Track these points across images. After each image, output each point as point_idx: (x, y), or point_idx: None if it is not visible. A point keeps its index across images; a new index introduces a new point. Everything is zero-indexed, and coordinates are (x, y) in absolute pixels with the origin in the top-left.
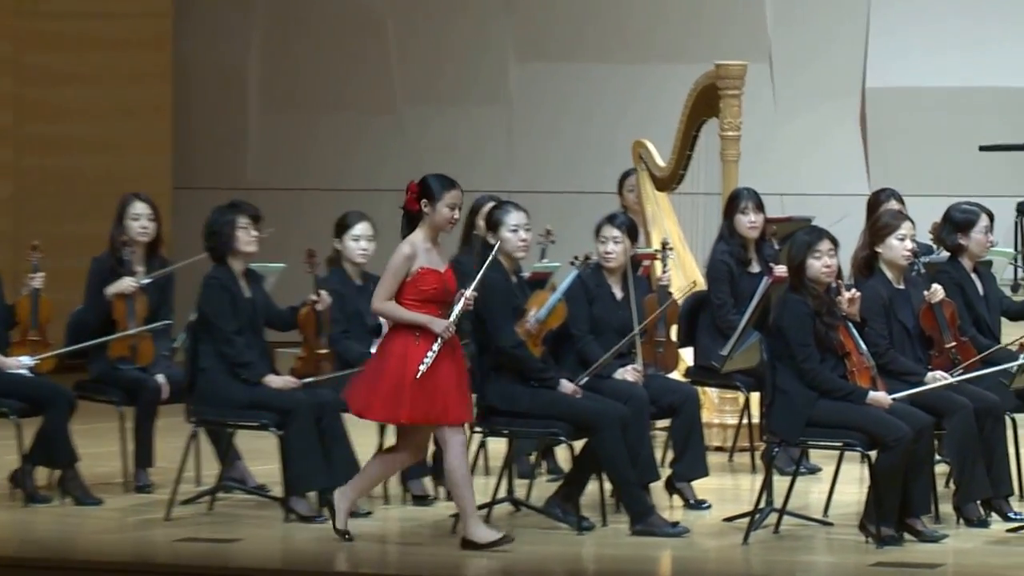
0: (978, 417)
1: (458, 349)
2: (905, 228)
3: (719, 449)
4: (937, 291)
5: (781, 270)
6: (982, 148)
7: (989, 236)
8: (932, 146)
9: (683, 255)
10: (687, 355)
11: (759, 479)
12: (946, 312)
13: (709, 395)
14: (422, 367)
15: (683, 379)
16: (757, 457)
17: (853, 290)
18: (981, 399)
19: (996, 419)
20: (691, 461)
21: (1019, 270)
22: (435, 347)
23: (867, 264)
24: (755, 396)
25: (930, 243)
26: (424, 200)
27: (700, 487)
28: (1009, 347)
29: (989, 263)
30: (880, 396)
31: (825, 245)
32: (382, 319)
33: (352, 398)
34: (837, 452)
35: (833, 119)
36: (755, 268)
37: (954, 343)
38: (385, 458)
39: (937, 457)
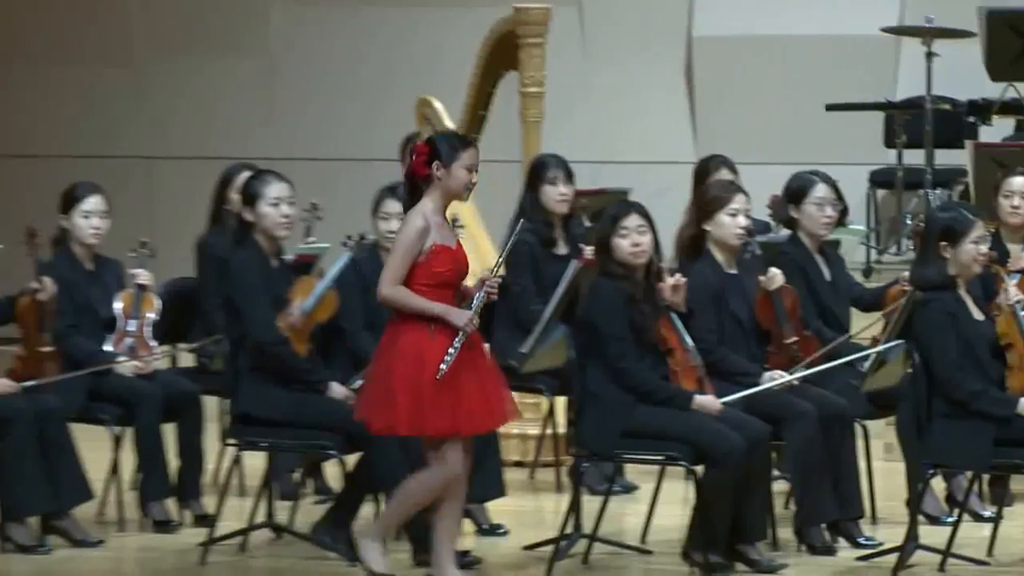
0: (823, 425)
1: (477, 344)
2: (738, 202)
3: (518, 464)
4: (775, 276)
5: (591, 251)
6: (829, 107)
7: (827, 210)
8: (770, 106)
9: (476, 234)
10: None
11: (565, 500)
12: (786, 301)
13: None
14: (443, 366)
15: None
16: (563, 474)
17: (677, 275)
18: (827, 404)
19: (844, 427)
20: (484, 479)
21: (872, 251)
22: (456, 342)
23: (693, 245)
24: (561, 401)
25: (768, 220)
26: (435, 163)
27: (495, 509)
28: (859, 341)
29: (837, 243)
30: (708, 401)
31: (633, 221)
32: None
33: (370, 416)
34: (657, 468)
35: (654, 74)
36: (562, 249)
37: (795, 338)
38: (411, 482)
39: (775, 473)
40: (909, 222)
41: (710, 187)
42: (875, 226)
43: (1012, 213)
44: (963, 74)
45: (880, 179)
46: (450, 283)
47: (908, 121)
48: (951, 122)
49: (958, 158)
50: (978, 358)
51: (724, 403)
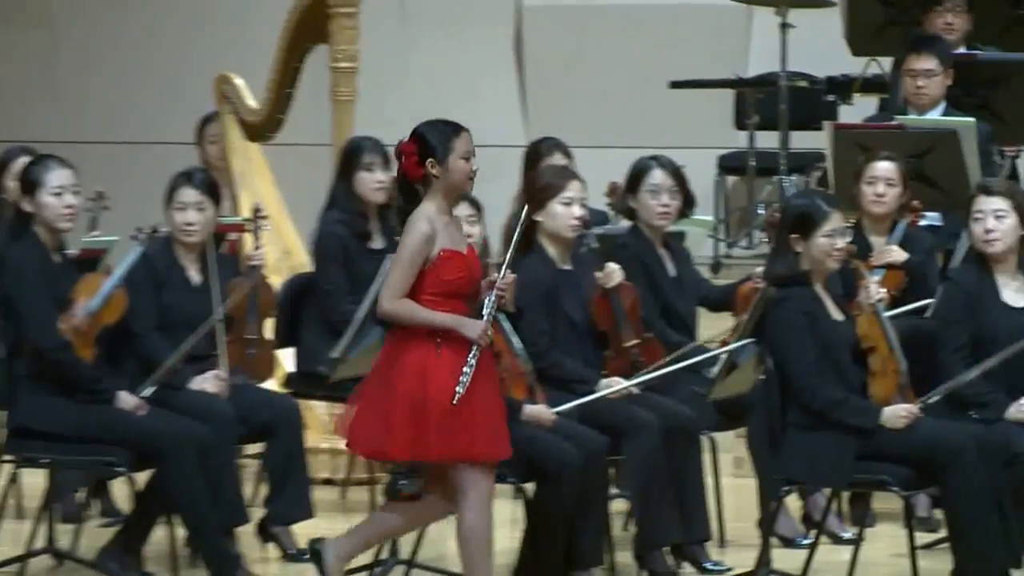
0: (667, 438)
1: (489, 358)
2: (572, 190)
3: (328, 482)
4: (613, 273)
5: None
6: (673, 85)
7: (662, 198)
8: (608, 83)
9: (282, 225)
10: (287, 358)
11: None
12: (625, 300)
13: (316, 411)
14: (459, 389)
15: (282, 390)
16: (378, 492)
17: (505, 271)
18: (671, 414)
19: (689, 440)
20: (291, 498)
21: (721, 244)
22: (471, 358)
23: (523, 237)
24: None
25: (606, 210)
26: (429, 160)
27: (303, 532)
28: (708, 344)
29: (682, 236)
30: (539, 410)
31: (464, 209)
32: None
33: (356, 436)
34: None
35: (480, 48)
36: (377, 243)
37: (635, 341)
38: (407, 508)
39: (613, 491)
40: (762, 212)
41: (542, 173)
42: (724, 217)
43: (875, 202)
44: (821, 48)
45: (730, 164)
46: (462, 293)
47: (761, 100)
48: (808, 101)
49: (816, 141)
50: (837, 363)
51: (557, 413)
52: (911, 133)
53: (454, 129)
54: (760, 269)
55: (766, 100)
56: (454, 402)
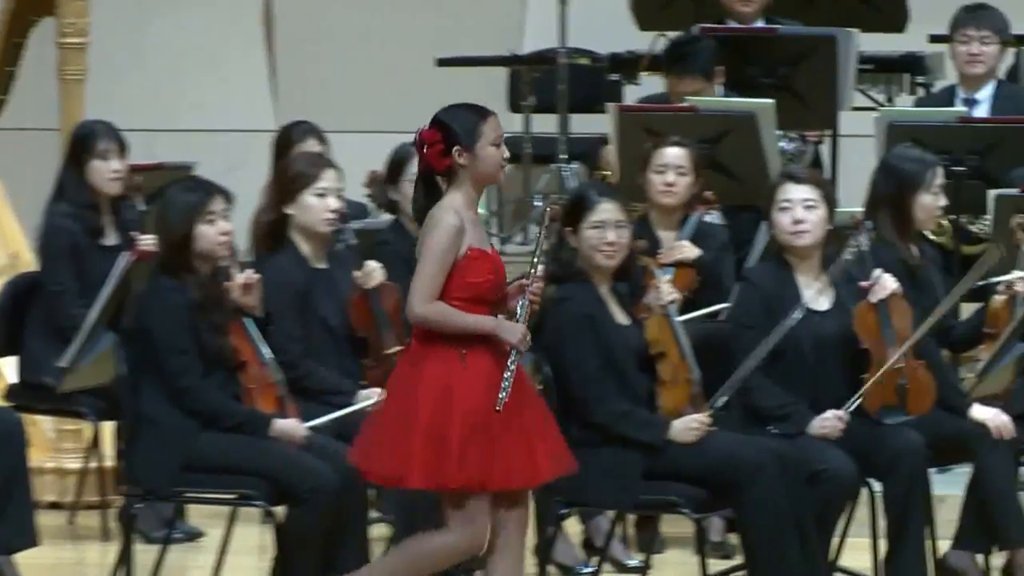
0: None
1: (521, 373)
2: (327, 180)
3: (54, 506)
4: (373, 272)
5: (148, 242)
6: (440, 63)
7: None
8: (368, 62)
9: (3, 217)
10: (8, 368)
11: (114, 549)
12: (386, 302)
13: (40, 427)
14: (502, 395)
15: (2, 403)
16: (111, 517)
17: (248, 271)
18: None
19: None
20: (13, 524)
21: (494, 239)
22: (511, 364)
23: (273, 232)
24: (108, 427)
25: (366, 202)
26: (455, 148)
27: (26, 562)
28: None
29: None
30: (291, 425)
31: (218, 204)
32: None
33: (370, 460)
34: (228, 509)
35: (225, 23)
36: (111, 239)
37: (398, 347)
38: (428, 542)
39: (373, 514)
40: (539, 204)
41: (293, 161)
42: (497, 209)
43: (665, 192)
44: (604, 22)
45: None
46: (487, 297)
47: (537, 79)
48: (590, 80)
49: (599, 124)
50: (622, 371)
51: (310, 428)
52: (704, 116)
53: (480, 113)
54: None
55: (543, 79)
56: (498, 408)
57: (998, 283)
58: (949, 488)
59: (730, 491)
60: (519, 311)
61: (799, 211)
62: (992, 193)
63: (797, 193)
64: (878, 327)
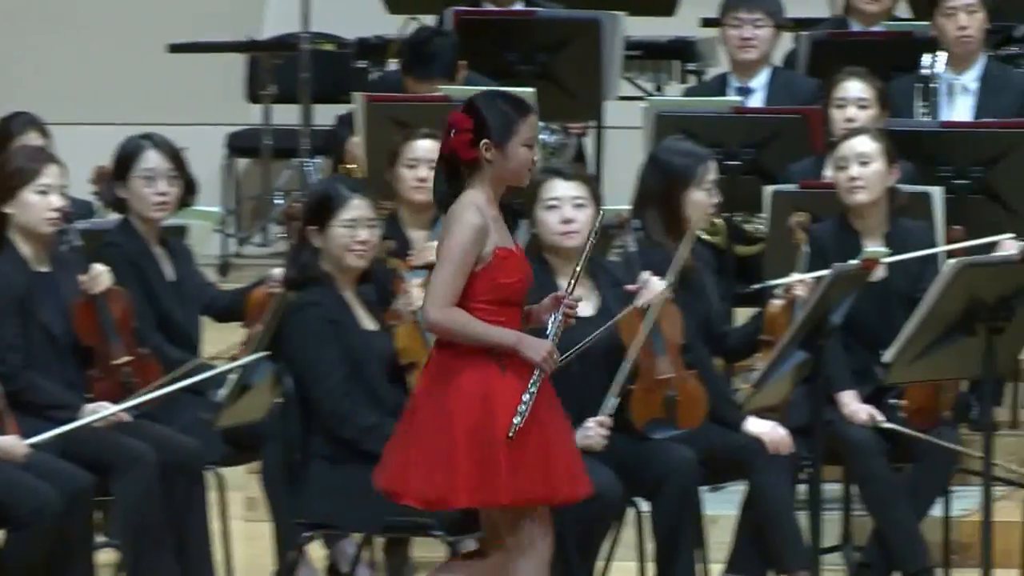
0: (164, 473)
1: (548, 386)
2: (49, 176)
3: None
4: (100, 276)
5: None
6: (173, 49)
7: (160, 185)
8: (93, 46)
9: None
10: None
11: None
12: (114, 309)
13: None
14: (516, 420)
15: None
16: None
17: None
18: (170, 446)
19: (192, 477)
20: None
21: (231, 241)
22: (532, 385)
23: None
24: None
25: (92, 200)
26: (484, 142)
27: None
28: (215, 361)
29: (183, 231)
30: (9, 442)
31: None
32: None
33: (408, 482)
34: None
35: None
36: None
37: (127, 357)
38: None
39: (99, 538)
40: (280, 202)
41: (12, 156)
42: (235, 207)
43: (417, 188)
44: (350, 5)
45: (241, 144)
46: (516, 300)
47: (278, 67)
48: (335, 68)
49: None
50: (370, 382)
51: (31, 446)
52: (456, 106)
53: (519, 108)
54: (278, 270)
55: (285, 67)
56: (510, 435)
57: (775, 287)
58: (722, 508)
59: None
60: (551, 326)
61: (568, 210)
62: (768, 189)
63: (566, 190)
64: (649, 335)
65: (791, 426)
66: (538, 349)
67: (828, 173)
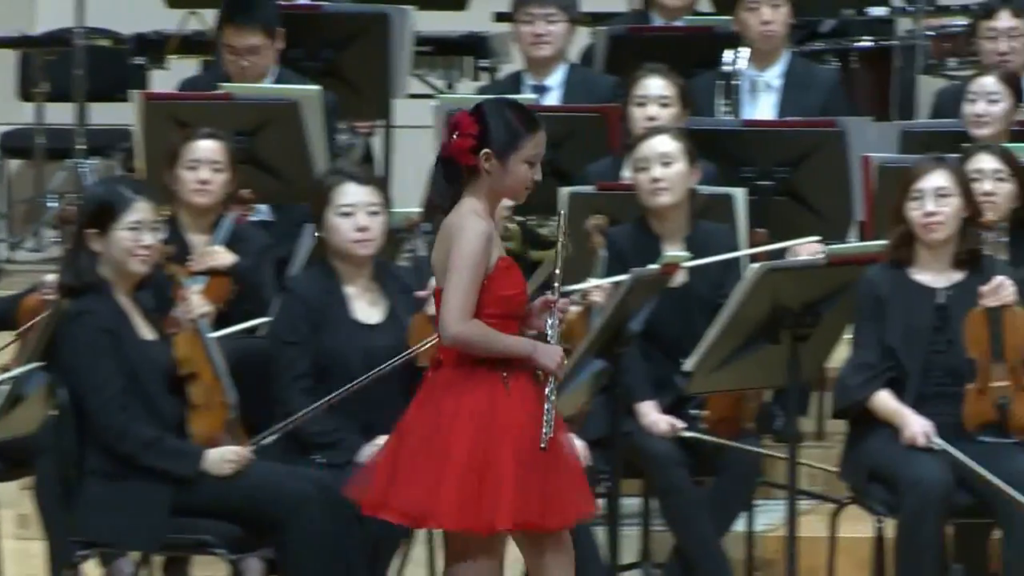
0: None
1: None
2: None
3: None
4: None
5: None
6: None
7: None
8: None
9: None
10: None
11: None
12: None
13: None
14: (546, 430)
15: None
16: None
17: None
18: None
19: None
20: None
21: (1, 245)
22: (550, 392)
23: None
24: None
25: None
26: (485, 151)
27: None
28: None
29: None
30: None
31: None
32: None
33: (391, 497)
34: None
35: None
36: None
37: None
38: None
39: None
40: (54, 204)
41: None
42: (6, 211)
43: (197, 191)
44: None
45: (12, 144)
46: (518, 312)
47: (52, 63)
48: (112, 64)
49: (122, 115)
50: (148, 393)
51: None
52: (241, 105)
53: (528, 124)
54: (51, 276)
55: (58, 63)
56: (543, 446)
57: (572, 292)
58: None
59: (270, 528)
60: (550, 331)
61: (363, 217)
62: (565, 191)
63: (360, 196)
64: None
65: (588, 438)
66: (553, 355)
67: (627, 174)
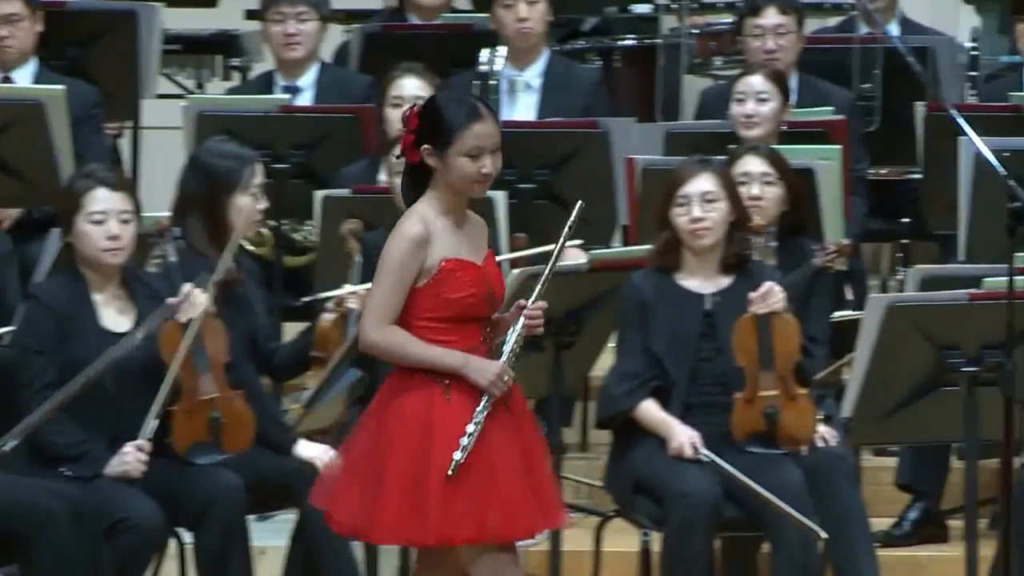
0: None
1: (520, 404)
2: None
3: None
4: None
5: None
6: None
7: None
8: None
9: None
10: None
11: None
12: None
13: None
14: (457, 455)
15: None
16: None
17: None
18: None
19: None
20: None
21: None
22: (479, 414)
23: None
24: None
25: None
26: (425, 146)
27: None
28: None
29: None
30: None
31: None
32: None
33: (337, 506)
34: None
35: None
36: None
37: None
38: None
39: None
40: None
41: None
42: None
43: None
44: None
45: None
46: (473, 315)
47: None
48: None
49: None
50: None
51: None
52: None
53: (470, 114)
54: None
55: None
56: (449, 473)
57: (327, 299)
58: (271, 538)
59: (15, 544)
60: (508, 341)
61: (114, 225)
62: (319, 194)
63: (113, 203)
64: (191, 352)
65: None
66: (486, 372)
67: (383, 177)
